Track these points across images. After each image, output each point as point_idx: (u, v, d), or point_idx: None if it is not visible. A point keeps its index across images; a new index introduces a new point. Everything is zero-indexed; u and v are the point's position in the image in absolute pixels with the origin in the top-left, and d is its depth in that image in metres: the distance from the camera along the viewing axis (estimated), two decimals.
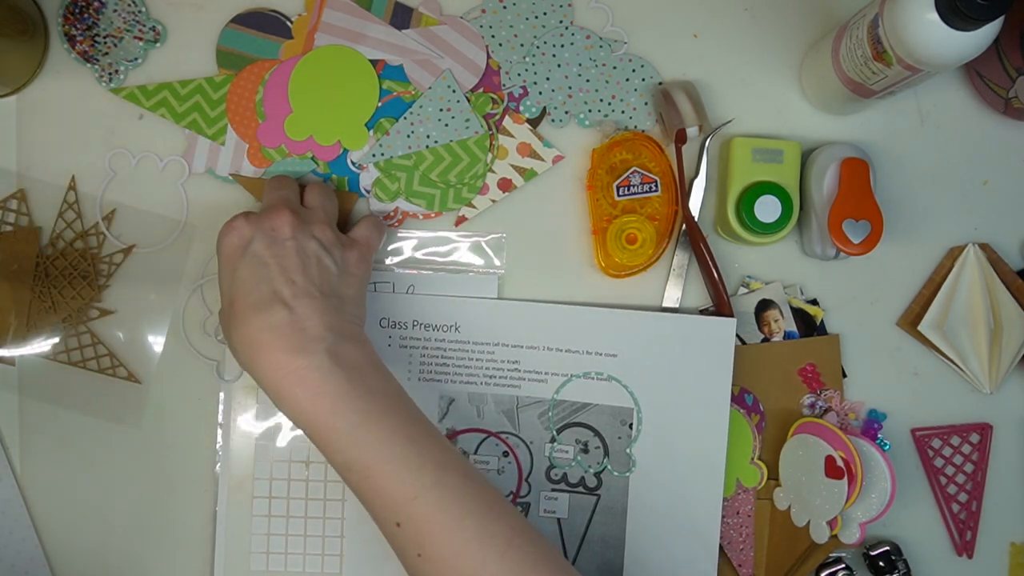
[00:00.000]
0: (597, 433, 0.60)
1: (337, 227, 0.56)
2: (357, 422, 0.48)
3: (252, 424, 0.61)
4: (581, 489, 0.61)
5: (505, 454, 0.61)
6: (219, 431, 0.61)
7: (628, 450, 0.60)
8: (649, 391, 0.60)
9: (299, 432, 0.61)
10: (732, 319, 0.60)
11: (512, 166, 0.62)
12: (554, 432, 0.60)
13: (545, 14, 0.62)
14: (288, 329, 0.48)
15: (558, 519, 0.61)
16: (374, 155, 0.61)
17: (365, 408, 0.48)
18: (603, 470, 0.60)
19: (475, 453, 0.61)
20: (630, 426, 0.60)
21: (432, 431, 0.50)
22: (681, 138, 0.60)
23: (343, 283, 0.53)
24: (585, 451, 0.60)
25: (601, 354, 0.60)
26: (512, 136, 0.62)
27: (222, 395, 0.61)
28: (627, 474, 0.60)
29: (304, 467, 0.61)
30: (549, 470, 0.61)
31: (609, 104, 0.62)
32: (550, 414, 0.60)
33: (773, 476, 0.61)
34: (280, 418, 0.61)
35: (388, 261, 0.62)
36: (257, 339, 0.49)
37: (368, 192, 0.62)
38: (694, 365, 0.60)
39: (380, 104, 0.62)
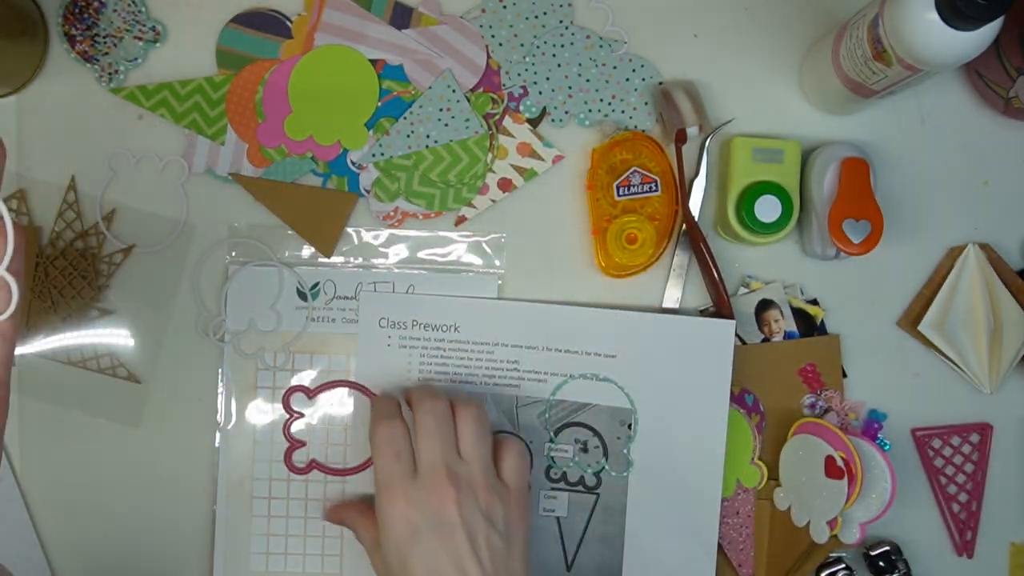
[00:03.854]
0: (596, 433, 0.60)
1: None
2: None
3: (251, 424, 0.61)
4: (580, 488, 0.61)
5: None
6: (218, 431, 0.61)
7: (626, 450, 0.60)
8: (648, 392, 0.60)
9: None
10: (731, 321, 0.60)
11: (512, 166, 0.62)
12: (551, 432, 0.60)
13: (545, 14, 0.62)
14: None
15: (557, 518, 0.61)
16: (374, 155, 0.61)
17: None
18: (602, 470, 0.60)
19: None
20: (629, 426, 0.60)
21: None
22: (681, 138, 0.60)
23: (511, 557, 0.51)
24: (584, 451, 0.60)
25: (600, 355, 0.60)
26: (512, 136, 0.62)
27: (221, 395, 0.61)
28: (625, 474, 0.60)
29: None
30: (548, 469, 0.61)
31: (609, 104, 0.62)
32: (548, 414, 0.60)
33: (773, 476, 0.61)
34: (278, 418, 0.61)
35: (388, 261, 0.61)
36: None
37: (368, 192, 0.62)
38: (693, 366, 0.60)
39: (380, 104, 0.62)
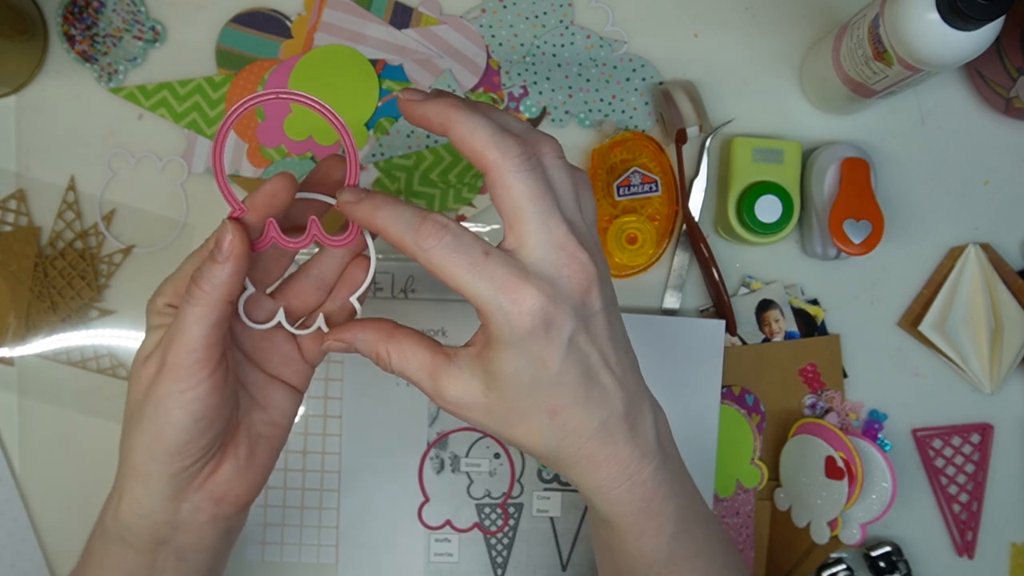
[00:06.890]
0: None
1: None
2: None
3: None
4: (573, 488, 0.61)
5: (497, 455, 0.61)
6: None
7: None
8: None
9: (295, 422, 0.61)
10: (721, 320, 0.60)
11: None
12: None
13: (545, 14, 0.62)
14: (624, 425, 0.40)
15: (551, 518, 0.61)
16: (374, 155, 0.61)
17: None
18: None
19: (466, 456, 0.60)
20: None
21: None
22: (681, 138, 0.60)
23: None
24: None
25: None
26: None
27: None
28: None
29: (300, 457, 0.61)
30: (541, 470, 0.61)
31: (609, 104, 0.62)
32: None
33: (773, 477, 0.61)
34: None
35: (386, 258, 0.61)
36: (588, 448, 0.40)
37: None
38: (685, 366, 0.60)
39: (380, 104, 0.61)
